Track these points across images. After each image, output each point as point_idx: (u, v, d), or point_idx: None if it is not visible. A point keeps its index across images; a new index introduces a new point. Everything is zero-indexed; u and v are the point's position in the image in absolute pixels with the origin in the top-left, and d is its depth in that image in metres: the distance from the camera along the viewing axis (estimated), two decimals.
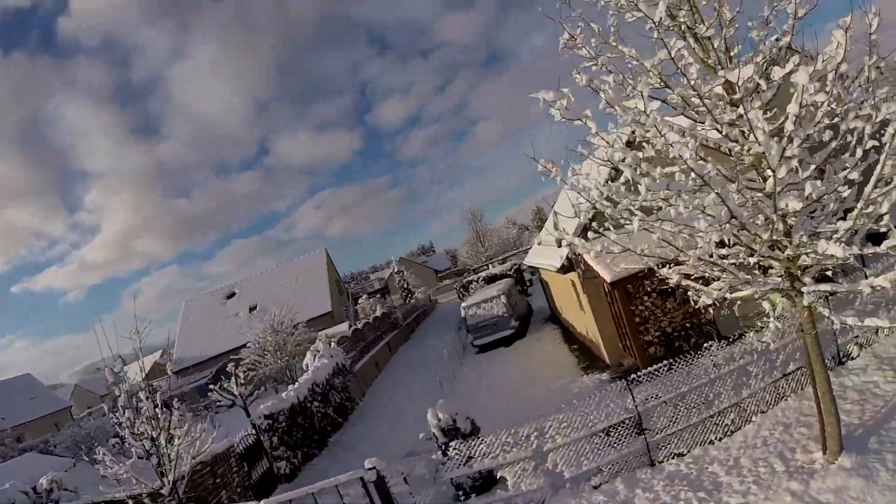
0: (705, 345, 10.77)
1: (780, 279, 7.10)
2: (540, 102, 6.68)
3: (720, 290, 7.54)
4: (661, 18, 6.35)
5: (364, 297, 35.96)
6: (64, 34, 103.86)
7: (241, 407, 20.02)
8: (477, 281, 36.61)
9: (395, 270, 53.47)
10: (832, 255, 6.09)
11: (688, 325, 13.89)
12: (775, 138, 6.06)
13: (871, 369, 9.74)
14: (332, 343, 23.74)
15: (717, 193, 6.28)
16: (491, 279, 36.56)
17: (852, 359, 10.41)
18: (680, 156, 6.33)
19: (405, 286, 52.11)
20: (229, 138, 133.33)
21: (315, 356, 22.10)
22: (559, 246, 15.49)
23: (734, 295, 7.49)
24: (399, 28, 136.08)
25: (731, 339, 11.35)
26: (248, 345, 25.98)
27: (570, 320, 21.14)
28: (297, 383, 18.73)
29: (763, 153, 5.98)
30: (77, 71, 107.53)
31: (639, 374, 10.26)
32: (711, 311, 12.85)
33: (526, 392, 16.37)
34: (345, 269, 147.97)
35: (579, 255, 14.71)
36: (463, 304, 25.37)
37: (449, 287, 73.50)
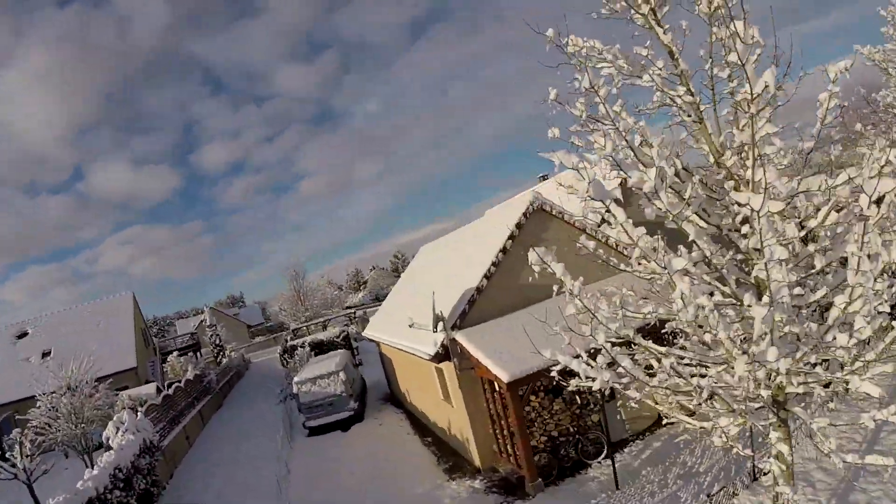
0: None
1: (762, 408, 6.55)
2: (556, 165, 5.85)
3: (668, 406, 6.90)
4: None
5: (175, 354, 31.95)
6: None
7: (24, 483, 16.35)
8: (303, 346, 34.16)
9: (208, 323, 49.17)
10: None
11: (574, 428, 13.13)
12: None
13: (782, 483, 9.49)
14: (139, 413, 20.38)
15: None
16: (319, 346, 34.40)
17: (765, 474, 10.12)
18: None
19: (217, 342, 47.94)
20: (42, 159, 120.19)
21: (118, 429, 18.69)
22: (435, 330, 14.23)
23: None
24: (236, 70, 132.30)
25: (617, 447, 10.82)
26: (38, 403, 21.61)
27: (421, 408, 19.62)
28: (96, 468, 15.44)
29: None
30: None
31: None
32: (598, 414, 12.33)
33: (381, 497, 14.53)
34: (149, 311, 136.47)
35: (457, 343, 13.62)
36: (295, 380, 22.96)
37: (263, 345, 69.20)
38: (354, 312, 55.71)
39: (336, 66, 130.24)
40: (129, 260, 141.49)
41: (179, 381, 29.13)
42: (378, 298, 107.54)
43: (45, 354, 35.10)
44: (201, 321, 49.98)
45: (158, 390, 28.55)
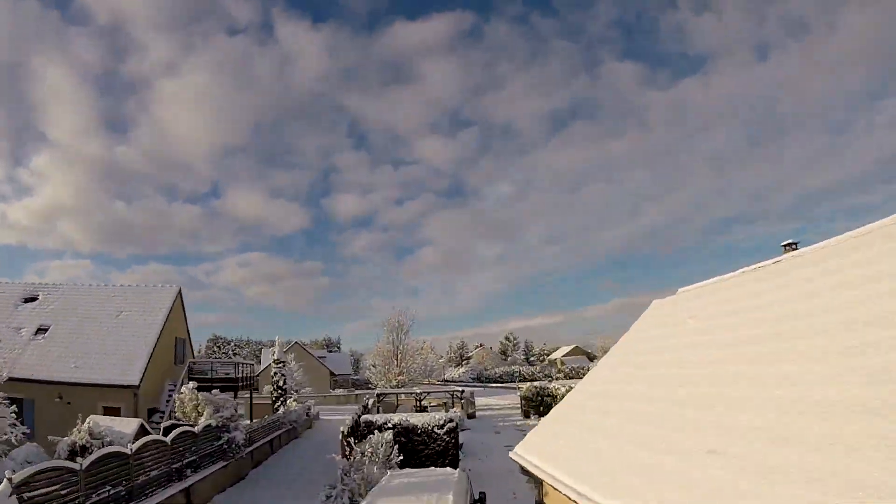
0: None
1: None
2: None
3: None
4: None
5: (216, 390, 22.11)
6: (80, 2, 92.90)
7: None
8: (384, 427, 22.16)
9: (276, 357, 38.69)
10: None
11: None
12: None
13: None
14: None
15: None
16: (408, 434, 22.51)
17: None
18: None
19: (281, 383, 37.27)
20: (187, 168, 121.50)
21: None
22: None
23: None
24: (381, 130, 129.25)
25: None
26: None
27: None
28: None
29: None
30: (76, 40, 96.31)
31: None
32: None
33: None
34: (231, 332, 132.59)
35: None
36: None
37: (341, 400, 58.61)
38: (461, 392, 43.78)
39: (476, 144, 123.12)
40: (243, 281, 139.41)
41: (192, 425, 18.34)
42: (479, 378, 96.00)
43: (41, 330, 25.88)
44: (272, 355, 39.10)
45: (143, 430, 17.84)
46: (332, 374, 74.01)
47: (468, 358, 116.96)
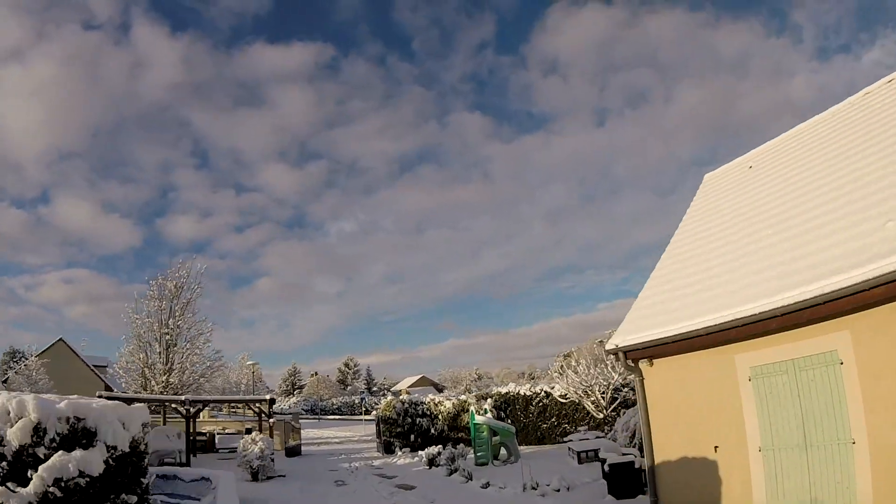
0: None
1: None
2: None
3: None
4: None
5: None
6: None
7: None
8: None
9: None
10: None
11: None
12: None
13: None
14: None
15: None
16: None
17: None
18: None
19: None
20: (17, 167, 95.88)
21: None
22: None
23: None
24: (226, 152, 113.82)
25: None
26: None
27: None
28: None
29: None
30: None
31: None
32: None
33: None
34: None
35: None
36: None
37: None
38: (270, 411, 26.02)
39: (322, 178, 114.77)
40: (66, 300, 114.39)
41: None
42: (314, 410, 79.86)
43: None
44: None
45: None
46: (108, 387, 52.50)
47: (301, 387, 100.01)
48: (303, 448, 28.30)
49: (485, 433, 20.07)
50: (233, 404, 25.98)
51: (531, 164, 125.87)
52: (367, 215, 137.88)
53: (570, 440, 19.79)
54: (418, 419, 26.60)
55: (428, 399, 27.21)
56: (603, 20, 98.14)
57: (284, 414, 42.13)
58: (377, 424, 28.45)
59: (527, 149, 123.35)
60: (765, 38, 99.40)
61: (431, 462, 20.32)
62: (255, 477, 18.30)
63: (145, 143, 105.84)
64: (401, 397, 27.30)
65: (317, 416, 72.64)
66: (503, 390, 27.33)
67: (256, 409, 22.28)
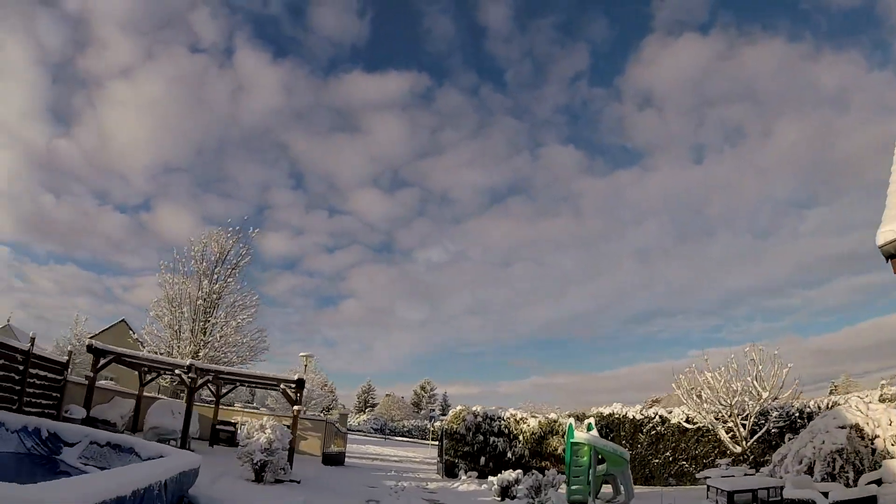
0: None
1: None
2: None
3: None
4: None
5: None
6: None
7: None
8: None
9: None
10: None
11: None
12: None
13: None
14: None
15: None
16: None
17: None
18: None
19: None
20: (123, 177, 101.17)
21: None
22: None
23: None
24: (321, 175, 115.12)
25: None
26: None
27: None
28: None
29: None
30: (41, 21, 79.45)
31: None
32: None
33: None
34: None
35: None
36: None
37: None
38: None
39: (413, 206, 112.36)
40: (145, 301, 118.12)
41: None
42: (382, 430, 75.25)
43: None
44: None
45: None
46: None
47: (374, 405, 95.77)
48: (348, 459, 23.06)
49: (585, 458, 14.04)
50: (261, 384, 20.68)
51: (623, 200, 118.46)
52: (454, 245, 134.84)
53: (708, 476, 13.66)
54: (492, 438, 20.79)
55: (508, 414, 21.35)
56: (699, 52, 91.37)
57: (357, 433, 37.32)
58: (440, 440, 22.80)
59: (619, 184, 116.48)
60: (867, 71, 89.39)
61: (505, 492, 14.53)
62: (258, 476, 13.11)
63: (246, 162, 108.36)
64: (473, 408, 21.60)
65: (384, 436, 67.93)
66: (605, 410, 21.04)
67: (280, 389, 17.20)
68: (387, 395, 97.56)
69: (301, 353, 30.67)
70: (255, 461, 12.95)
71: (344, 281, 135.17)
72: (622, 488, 14.42)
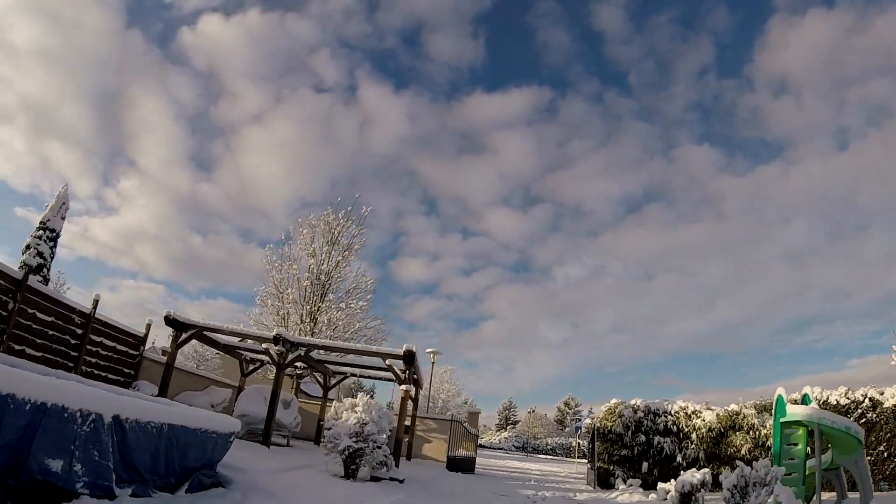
0: None
1: None
2: None
3: None
4: None
5: None
6: (181, 44, 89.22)
7: None
8: None
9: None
10: None
11: None
12: None
13: None
14: None
15: None
16: None
17: None
18: None
19: None
20: (264, 214, 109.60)
21: None
22: None
23: None
24: (452, 198, 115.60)
25: None
26: None
27: None
28: None
29: None
30: (173, 79, 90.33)
31: None
32: None
33: None
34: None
35: None
36: None
37: None
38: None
39: (546, 222, 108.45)
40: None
41: None
42: (524, 448, 71.33)
43: None
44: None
45: None
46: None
47: (515, 422, 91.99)
48: (480, 469, 19.56)
49: (801, 444, 9.63)
50: (361, 364, 17.69)
51: (767, 198, 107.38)
52: (593, 260, 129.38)
53: None
54: (657, 438, 16.41)
55: (676, 407, 16.85)
56: (827, 28, 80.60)
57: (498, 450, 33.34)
58: (590, 442, 18.69)
59: (762, 181, 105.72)
60: None
61: (686, 500, 10.39)
62: (347, 471, 9.86)
63: (378, 192, 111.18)
64: (632, 401, 17.30)
65: (526, 453, 63.85)
66: (795, 396, 16.10)
67: (386, 365, 13.97)
68: (529, 411, 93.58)
69: (428, 350, 27.54)
70: (341, 449, 9.70)
71: (483, 303, 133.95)
72: (859, 485, 9.84)
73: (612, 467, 16.94)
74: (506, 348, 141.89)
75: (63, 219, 17.11)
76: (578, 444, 49.65)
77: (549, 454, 68.01)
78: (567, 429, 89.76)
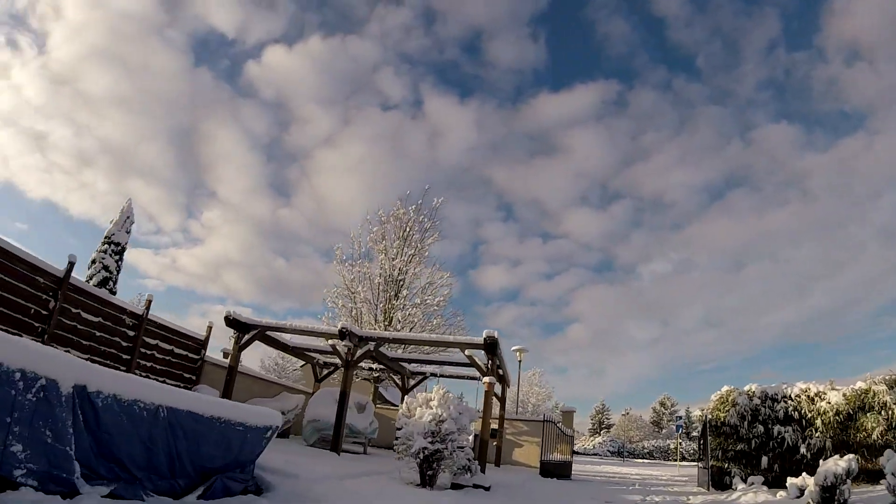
0: None
1: None
2: None
3: None
4: None
5: None
6: (248, 77, 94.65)
7: None
8: None
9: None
10: None
11: None
12: None
13: None
14: None
15: None
16: None
17: None
18: None
19: None
20: (343, 233, 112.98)
21: None
22: None
23: None
24: (529, 202, 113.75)
25: None
26: None
27: None
28: None
29: None
30: (244, 111, 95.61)
31: None
32: None
33: None
34: None
35: None
36: None
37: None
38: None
39: (627, 218, 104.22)
40: None
41: None
42: (620, 452, 68.45)
43: None
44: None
45: None
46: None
47: (609, 426, 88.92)
48: (576, 475, 17.97)
49: None
50: (435, 360, 16.48)
51: (854, 173, 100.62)
52: (678, 254, 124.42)
53: None
54: (776, 427, 14.43)
55: (796, 391, 14.80)
56: None
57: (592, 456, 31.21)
58: (700, 438, 16.87)
59: (845, 155, 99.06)
60: None
61: (830, 494, 8.65)
62: (423, 477, 8.65)
63: (454, 202, 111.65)
64: (747, 387, 15.35)
65: (622, 458, 61.17)
66: None
67: (466, 356, 12.64)
68: (623, 413, 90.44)
69: (514, 347, 26.02)
70: (414, 451, 8.48)
71: (567, 306, 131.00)
72: None
73: (726, 465, 15.09)
74: (593, 351, 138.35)
75: (128, 232, 16.95)
76: (679, 443, 46.99)
77: (646, 457, 65.02)
78: (664, 430, 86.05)
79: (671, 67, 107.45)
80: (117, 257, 16.28)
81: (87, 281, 14.81)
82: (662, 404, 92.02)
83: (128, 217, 16.94)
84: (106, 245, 16.10)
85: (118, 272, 16.35)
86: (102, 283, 15.42)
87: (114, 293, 15.75)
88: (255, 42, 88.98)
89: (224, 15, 69.94)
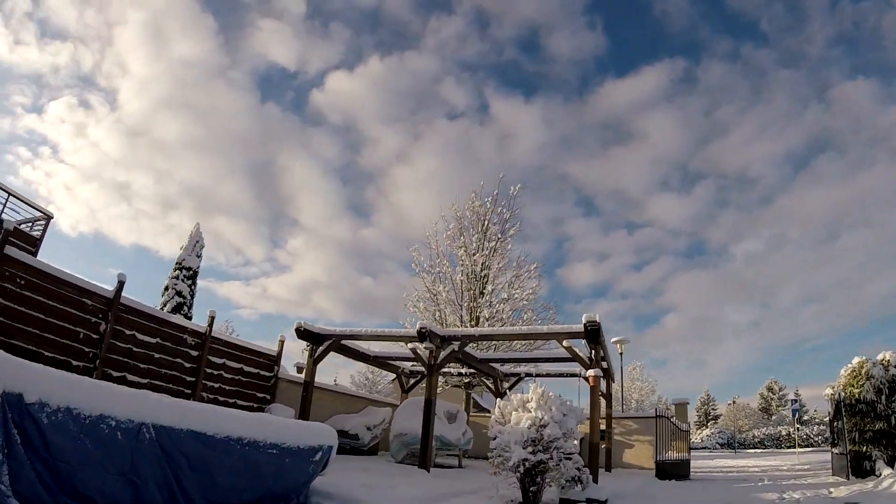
0: None
1: None
2: None
3: None
4: None
5: None
6: (315, 105, 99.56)
7: None
8: None
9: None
10: None
11: None
12: None
13: None
14: None
15: None
16: None
17: None
18: None
19: None
20: (424, 244, 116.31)
21: None
22: None
23: None
24: (609, 194, 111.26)
25: None
26: None
27: None
28: None
29: None
30: (315, 139, 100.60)
31: None
32: None
33: None
34: None
35: None
36: None
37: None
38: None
39: (712, 198, 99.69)
40: None
41: None
42: (730, 444, 65.15)
43: None
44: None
45: None
46: None
47: (716, 417, 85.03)
48: (693, 472, 16.46)
49: None
50: (530, 349, 15.53)
51: None
52: (769, 230, 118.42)
53: None
54: None
55: None
56: None
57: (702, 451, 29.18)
58: (832, 420, 15.15)
59: None
60: None
61: None
62: (526, 495, 7.63)
63: (532, 203, 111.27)
64: (881, 356, 13.60)
65: (733, 450, 58.10)
66: None
67: (565, 347, 11.42)
68: (730, 402, 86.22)
69: (614, 339, 24.62)
70: (512, 464, 7.48)
71: (660, 295, 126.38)
72: None
73: (864, 448, 13.38)
74: (691, 341, 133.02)
75: (199, 257, 16.90)
76: (797, 428, 43.99)
77: (758, 447, 61.45)
78: (773, 416, 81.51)
79: (735, 36, 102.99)
80: (190, 282, 16.27)
81: (162, 308, 14.63)
82: (770, 389, 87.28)
83: (197, 241, 16.94)
84: (178, 271, 16.12)
85: (192, 297, 16.36)
86: (177, 309, 15.37)
87: (189, 318, 15.59)
88: (316, 71, 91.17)
89: (282, 49, 71.66)
